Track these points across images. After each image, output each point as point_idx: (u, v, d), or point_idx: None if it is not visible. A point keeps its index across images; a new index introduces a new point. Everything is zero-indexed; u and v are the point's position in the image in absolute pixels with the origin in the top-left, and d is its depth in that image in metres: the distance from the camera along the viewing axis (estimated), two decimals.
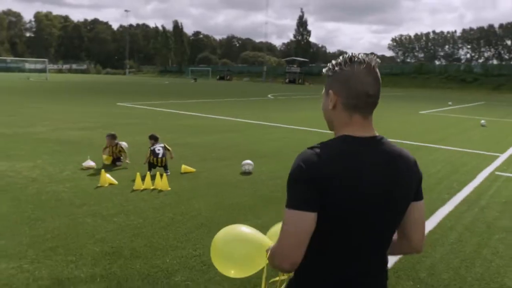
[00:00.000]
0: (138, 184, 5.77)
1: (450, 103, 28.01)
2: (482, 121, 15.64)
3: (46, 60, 59.52)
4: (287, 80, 66.15)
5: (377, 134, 1.35)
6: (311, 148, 1.30)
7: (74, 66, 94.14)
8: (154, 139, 6.87)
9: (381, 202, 1.29)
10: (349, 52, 1.33)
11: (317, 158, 1.25)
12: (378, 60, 1.33)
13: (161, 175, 5.93)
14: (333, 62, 1.35)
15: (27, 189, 5.57)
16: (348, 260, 1.34)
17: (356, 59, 1.31)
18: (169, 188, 5.76)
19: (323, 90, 1.41)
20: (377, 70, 1.33)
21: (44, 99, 20.86)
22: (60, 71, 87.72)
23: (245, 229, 1.75)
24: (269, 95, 30.98)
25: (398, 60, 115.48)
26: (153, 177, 5.94)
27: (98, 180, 5.97)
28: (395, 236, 1.45)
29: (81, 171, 6.61)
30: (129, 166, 7.03)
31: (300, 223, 1.23)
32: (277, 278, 1.71)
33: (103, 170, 6.00)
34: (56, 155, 7.78)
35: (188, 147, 9.01)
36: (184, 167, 6.83)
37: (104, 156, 7.11)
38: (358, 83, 1.30)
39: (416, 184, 1.39)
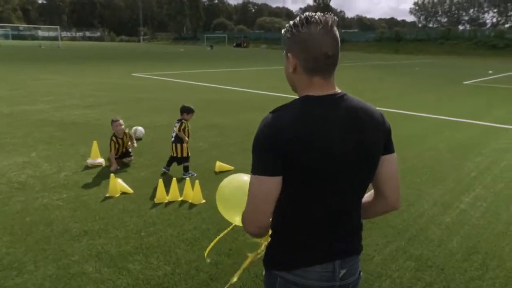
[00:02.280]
0: (161, 195, 4.15)
1: (490, 71, 25.23)
2: None
3: (58, 27, 57.81)
4: None
5: (338, 91, 1.31)
6: (273, 111, 1.28)
7: (87, 33, 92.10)
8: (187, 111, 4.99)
9: (348, 157, 1.27)
10: (306, 13, 1.28)
11: (277, 122, 1.23)
12: (335, 18, 1.28)
13: (191, 182, 4.29)
14: (290, 23, 1.29)
15: (9, 203, 4.01)
16: (322, 223, 1.32)
17: (312, 19, 1.25)
18: (203, 201, 4.14)
19: (284, 52, 1.36)
20: (335, 29, 1.27)
21: (54, 69, 19.23)
22: (73, 38, 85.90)
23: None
24: None
25: (420, 25, 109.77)
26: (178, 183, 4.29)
27: (106, 185, 4.39)
28: (369, 199, 1.46)
29: (85, 171, 5.02)
30: (146, 163, 5.40)
31: (264, 188, 1.22)
32: (258, 240, 1.56)
33: (113, 175, 4.37)
34: (55, 144, 6.20)
35: (218, 131, 7.32)
36: (219, 165, 5.17)
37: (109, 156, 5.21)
38: (316, 45, 1.25)
39: (384, 136, 1.35)
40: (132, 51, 43.50)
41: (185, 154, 4.91)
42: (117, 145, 5.18)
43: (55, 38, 58.63)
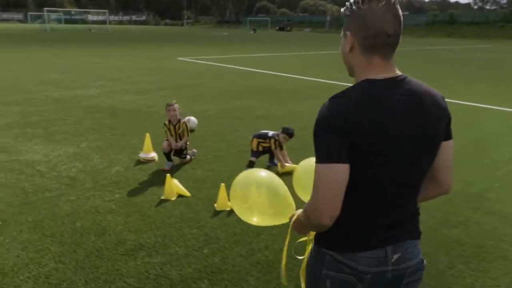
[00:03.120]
0: (223, 201, 3.62)
1: None
2: None
3: (106, 11, 59.20)
4: None
5: (399, 73, 1.27)
6: (334, 97, 1.23)
7: (133, 17, 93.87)
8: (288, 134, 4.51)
9: (412, 143, 1.24)
10: None
11: (342, 106, 1.19)
12: None
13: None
14: (351, 0, 1.25)
15: (59, 203, 3.65)
16: (378, 209, 1.29)
17: None
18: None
19: (341, 32, 1.32)
20: (398, 7, 1.22)
21: (102, 52, 19.35)
22: (120, 22, 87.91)
23: (265, 174, 1.76)
24: None
25: (476, 7, 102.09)
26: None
27: (161, 185, 3.94)
28: None
29: (137, 167, 4.61)
30: (202, 159, 4.92)
31: (333, 176, 1.18)
32: (305, 238, 1.58)
33: (168, 177, 3.86)
34: (106, 133, 5.87)
35: (271, 123, 6.71)
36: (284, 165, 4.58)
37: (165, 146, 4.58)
38: (376, 22, 1.21)
39: (445, 122, 1.32)
40: (176, 34, 43.58)
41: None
42: (168, 133, 4.66)
43: (103, 22, 60.12)
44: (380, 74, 1.23)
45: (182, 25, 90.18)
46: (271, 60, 17.76)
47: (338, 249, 1.32)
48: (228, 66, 14.87)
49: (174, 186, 3.83)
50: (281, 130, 4.52)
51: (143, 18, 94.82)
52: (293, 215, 1.48)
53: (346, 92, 1.23)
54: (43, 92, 8.88)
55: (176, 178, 4.08)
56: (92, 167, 4.53)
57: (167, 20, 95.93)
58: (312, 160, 1.80)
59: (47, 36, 33.41)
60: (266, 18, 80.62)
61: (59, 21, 62.45)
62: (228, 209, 3.56)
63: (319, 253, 1.37)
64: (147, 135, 4.88)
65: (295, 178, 1.98)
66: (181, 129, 4.69)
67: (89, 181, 4.16)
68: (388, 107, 1.20)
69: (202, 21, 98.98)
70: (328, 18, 72.59)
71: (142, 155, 4.81)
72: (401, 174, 1.26)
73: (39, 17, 58.06)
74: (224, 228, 3.28)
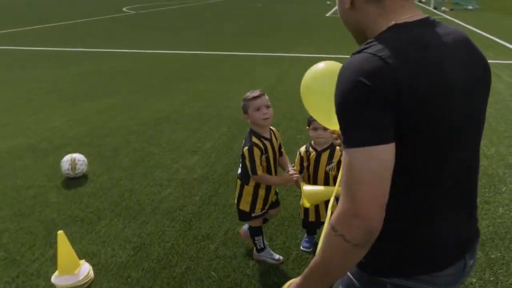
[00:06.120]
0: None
1: None
2: None
3: None
4: None
5: (425, 15, 0.97)
6: (360, 51, 0.89)
7: None
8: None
9: (470, 101, 0.94)
10: None
11: (375, 62, 0.85)
12: None
13: None
14: None
15: None
16: (448, 204, 0.96)
17: None
18: None
19: None
20: None
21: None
22: None
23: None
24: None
25: None
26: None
27: None
28: None
29: None
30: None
31: (376, 162, 0.83)
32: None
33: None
34: None
35: None
36: None
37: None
38: None
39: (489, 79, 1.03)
40: None
41: None
42: (264, 157, 2.34)
43: None
44: (404, 16, 0.94)
45: None
46: None
47: (405, 274, 0.97)
48: None
49: None
50: None
51: None
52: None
53: (371, 44, 0.90)
54: None
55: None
56: None
57: None
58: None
59: None
60: None
61: None
62: None
63: (373, 285, 1.01)
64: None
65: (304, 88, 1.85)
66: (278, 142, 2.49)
67: None
68: (435, 53, 0.90)
69: None
70: None
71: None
72: (464, 147, 0.96)
73: None
74: None
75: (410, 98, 0.84)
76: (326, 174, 2.42)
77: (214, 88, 7.01)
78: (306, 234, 2.75)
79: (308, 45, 11.10)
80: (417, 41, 0.89)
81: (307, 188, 2.19)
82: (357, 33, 1.03)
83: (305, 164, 2.48)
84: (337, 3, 1.05)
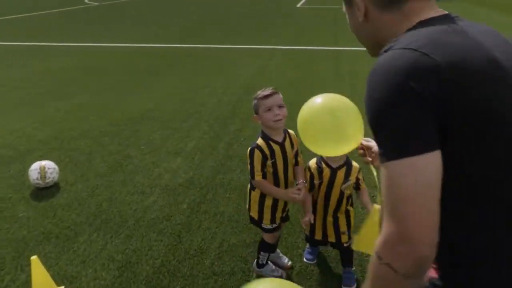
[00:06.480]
0: None
1: None
2: None
3: None
4: None
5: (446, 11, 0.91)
6: (387, 50, 0.82)
7: None
8: None
9: None
10: None
11: (411, 53, 0.76)
12: None
13: None
14: None
15: None
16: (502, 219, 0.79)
17: None
18: None
19: (343, 5, 1.01)
20: None
21: None
22: None
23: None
24: None
25: None
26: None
27: None
28: None
29: None
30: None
31: (423, 175, 0.72)
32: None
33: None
34: None
35: None
36: None
37: None
38: None
39: None
40: None
41: None
42: (270, 162, 2.07)
43: None
44: (426, 15, 0.88)
45: None
46: None
47: None
48: None
49: None
50: None
51: None
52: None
53: (406, 38, 0.83)
54: None
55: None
56: None
57: None
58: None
59: None
60: None
61: None
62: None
63: None
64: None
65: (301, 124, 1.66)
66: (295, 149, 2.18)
67: None
68: (474, 42, 0.81)
69: None
70: None
71: None
72: None
73: None
74: None
75: (451, 96, 0.73)
76: (341, 193, 2.13)
77: (188, 83, 6.68)
78: (308, 245, 2.53)
79: (284, 37, 10.92)
80: (454, 30, 0.82)
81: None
82: (373, 44, 0.97)
83: (316, 182, 2.16)
84: (347, 18, 1.01)
